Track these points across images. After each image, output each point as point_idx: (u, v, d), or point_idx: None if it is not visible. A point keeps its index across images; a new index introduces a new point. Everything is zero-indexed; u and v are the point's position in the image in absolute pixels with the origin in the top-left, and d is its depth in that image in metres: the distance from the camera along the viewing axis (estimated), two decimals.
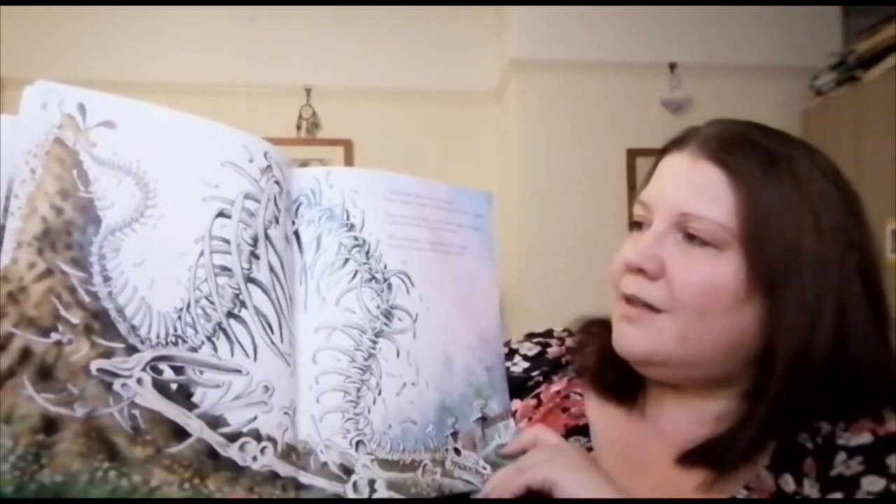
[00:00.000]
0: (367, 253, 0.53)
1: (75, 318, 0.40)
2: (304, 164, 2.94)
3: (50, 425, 0.38)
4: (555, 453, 0.54)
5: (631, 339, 0.61)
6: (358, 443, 0.49)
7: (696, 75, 2.68)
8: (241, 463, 0.43)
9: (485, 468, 0.55)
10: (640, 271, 0.60)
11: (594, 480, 0.52)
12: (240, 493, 0.43)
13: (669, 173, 0.63)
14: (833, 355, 0.57)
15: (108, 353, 0.41)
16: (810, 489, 0.55)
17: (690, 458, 0.60)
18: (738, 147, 0.60)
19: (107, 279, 0.41)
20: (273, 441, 0.45)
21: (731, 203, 0.58)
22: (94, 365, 0.40)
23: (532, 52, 2.67)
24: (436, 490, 0.52)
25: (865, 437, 0.55)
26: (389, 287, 0.54)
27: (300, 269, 0.51)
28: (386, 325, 0.53)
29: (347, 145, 2.95)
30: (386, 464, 0.50)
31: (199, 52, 2.90)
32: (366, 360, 0.51)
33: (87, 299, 0.40)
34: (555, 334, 0.78)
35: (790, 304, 0.57)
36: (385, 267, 0.54)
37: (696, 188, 0.59)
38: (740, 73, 2.70)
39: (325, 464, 0.48)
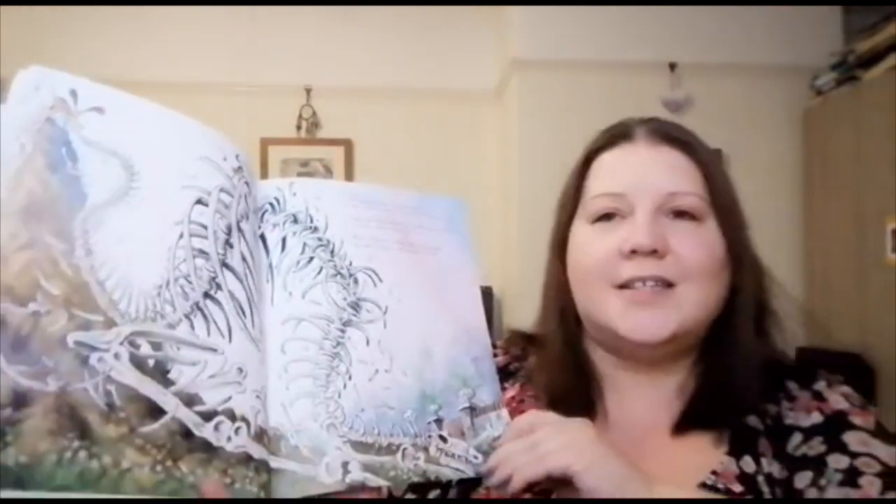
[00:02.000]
0: (332, 251, 0.55)
1: (56, 289, 0.39)
2: (305, 163, 2.95)
3: (19, 400, 0.37)
4: (571, 438, 0.53)
5: (649, 322, 0.62)
6: (329, 426, 0.50)
7: (696, 75, 2.68)
8: (214, 443, 0.44)
9: (476, 457, 0.56)
10: (651, 252, 0.62)
11: (618, 471, 0.52)
12: (213, 476, 0.43)
13: (634, 165, 0.66)
14: (764, 319, 0.67)
15: (86, 326, 0.40)
16: (769, 467, 0.61)
17: (685, 423, 0.65)
18: (686, 134, 0.68)
19: (89, 252, 0.41)
20: (247, 422, 0.46)
21: (699, 179, 0.65)
22: (72, 337, 0.40)
23: (532, 51, 2.67)
24: (420, 475, 0.53)
25: (816, 417, 0.61)
26: (356, 281, 0.56)
27: (266, 269, 0.53)
28: (354, 315, 0.54)
29: (347, 145, 2.95)
30: (360, 446, 0.51)
31: (200, 51, 2.90)
32: (334, 347, 0.53)
33: (68, 271, 0.40)
34: (497, 345, 0.78)
35: (745, 268, 0.66)
36: (350, 263, 0.56)
37: (671, 169, 0.65)
38: (740, 73, 2.70)
39: (296, 447, 0.48)
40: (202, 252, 0.47)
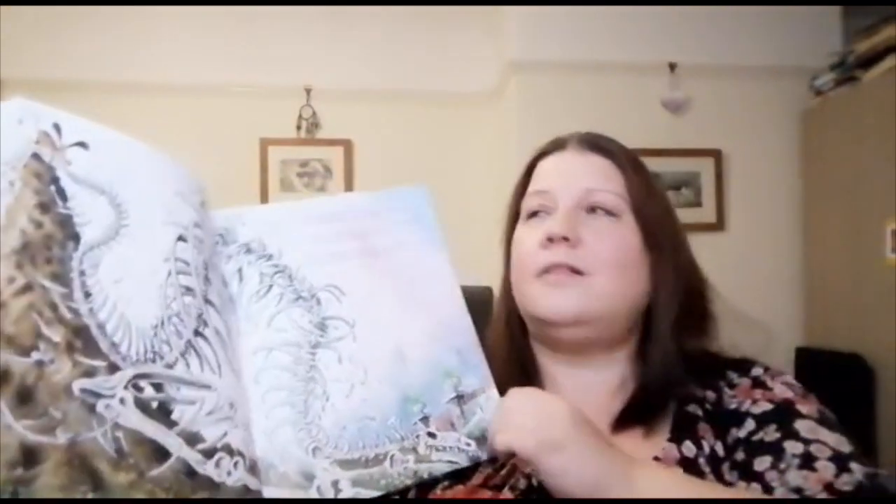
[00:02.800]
0: (290, 276, 0.55)
1: (56, 335, 0.38)
2: (304, 164, 2.95)
3: (29, 456, 0.35)
4: (536, 424, 0.56)
5: (561, 301, 0.68)
6: (314, 449, 0.50)
7: (696, 75, 2.68)
8: (216, 479, 0.44)
9: (468, 444, 0.56)
10: (563, 239, 0.69)
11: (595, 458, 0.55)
12: None
13: (562, 167, 0.75)
14: (688, 311, 0.72)
15: (90, 372, 0.39)
16: (710, 448, 0.66)
17: (623, 420, 0.69)
18: (611, 143, 0.77)
19: (87, 295, 0.40)
20: (242, 455, 0.46)
21: (620, 180, 0.72)
22: (77, 385, 0.38)
23: (531, 52, 2.67)
24: (411, 477, 0.53)
25: (766, 405, 0.66)
26: (318, 302, 0.55)
27: (227, 300, 0.53)
28: (321, 336, 0.55)
29: (347, 145, 2.95)
30: (346, 463, 0.51)
31: (199, 52, 2.90)
32: (307, 371, 0.53)
33: (68, 315, 0.39)
34: None
35: (665, 265, 0.72)
36: (311, 285, 0.56)
37: (592, 171, 0.73)
38: (740, 74, 2.70)
39: (284, 473, 0.49)
40: (188, 289, 0.47)
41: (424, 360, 0.58)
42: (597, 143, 0.76)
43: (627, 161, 0.75)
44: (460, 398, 0.58)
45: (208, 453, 0.44)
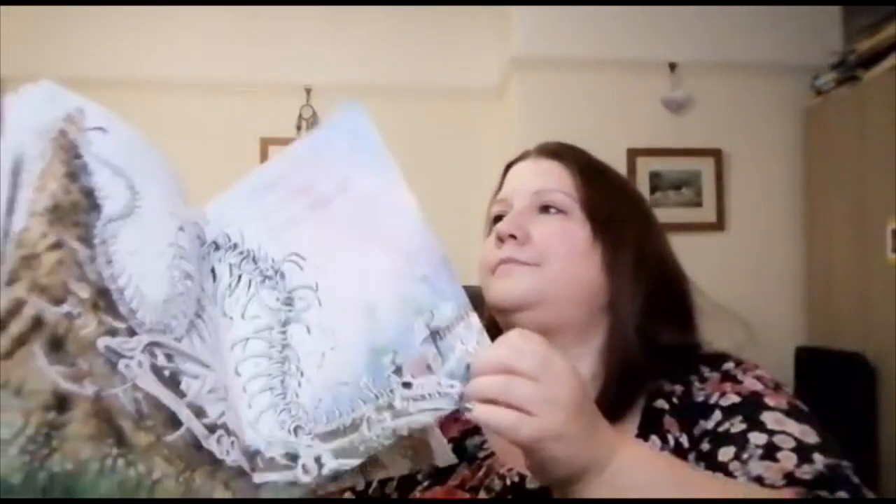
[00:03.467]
0: (254, 259, 0.55)
1: (84, 292, 0.41)
2: None
3: (62, 402, 0.37)
4: (547, 395, 0.49)
5: (509, 286, 0.72)
6: (296, 428, 0.50)
7: (697, 74, 2.68)
8: (218, 455, 0.45)
9: (451, 385, 0.50)
10: (510, 237, 0.73)
11: (578, 448, 0.50)
12: (218, 489, 0.44)
13: (519, 174, 0.81)
14: (659, 305, 0.74)
15: (112, 332, 0.41)
16: (675, 440, 0.67)
17: None
18: (565, 149, 0.82)
19: (108, 261, 0.43)
20: (237, 437, 0.47)
21: (569, 181, 0.77)
22: (102, 342, 0.41)
23: (533, 49, 2.67)
24: (390, 437, 0.49)
25: (734, 398, 0.67)
26: (283, 276, 0.54)
27: (211, 298, 0.54)
28: (290, 311, 0.54)
29: None
30: (326, 436, 0.49)
31: (200, 51, 2.90)
32: (280, 352, 0.52)
33: (92, 276, 0.41)
34: None
35: (620, 257, 0.74)
36: (273, 260, 0.55)
37: (542, 175, 0.79)
38: (741, 73, 2.70)
39: (271, 459, 0.49)
40: (188, 275, 0.49)
41: (393, 303, 0.53)
42: (551, 150, 0.81)
43: (577, 163, 0.79)
44: (435, 335, 0.52)
45: (211, 428, 0.45)
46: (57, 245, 0.40)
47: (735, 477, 0.61)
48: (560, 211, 0.76)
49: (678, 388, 0.70)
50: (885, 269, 2.19)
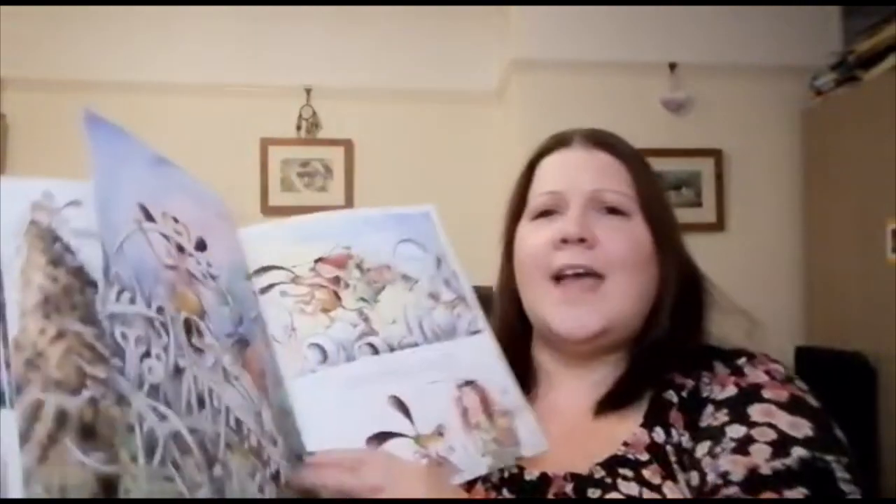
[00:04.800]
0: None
1: (101, 372, 0.39)
2: (305, 164, 2.95)
3: (108, 485, 0.36)
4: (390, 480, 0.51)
5: (581, 319, 0.68)
6: None
7: (697, 75, 2.68)
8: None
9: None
10: (579, 241, 0.68)
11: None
12: None
13: (569, 166, 0.74)
14: (686, 304, 0.73)
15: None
16: (679, 437, 0.65)
17: (603, 406, 0.69)
18: (615, 139, 0.76)
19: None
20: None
21: (627, 178, 0.72)
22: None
23: (533, 51, 2.67)
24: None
25: (731, 390, 0.65)
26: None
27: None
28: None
29: (347, 145, 2.95)
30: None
31: (200, 52, 2.90)
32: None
33: (106, 353, 0.40)
34: None
35: (671, 263, 0.72)
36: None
37: (599, 170, 0.72)
38: (740, 73, 2.70)
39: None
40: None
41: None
42: (602, 140, 0.75)
43: (633, 158, 0.74)
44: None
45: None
46: (59, 335, 0.38)
47: (706, 473, 0.59)
48: (622, 213, 0.71)
49: (689, 383, 0.68)
50: (885, 269, 2.19)
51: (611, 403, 0.69)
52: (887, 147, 2.16)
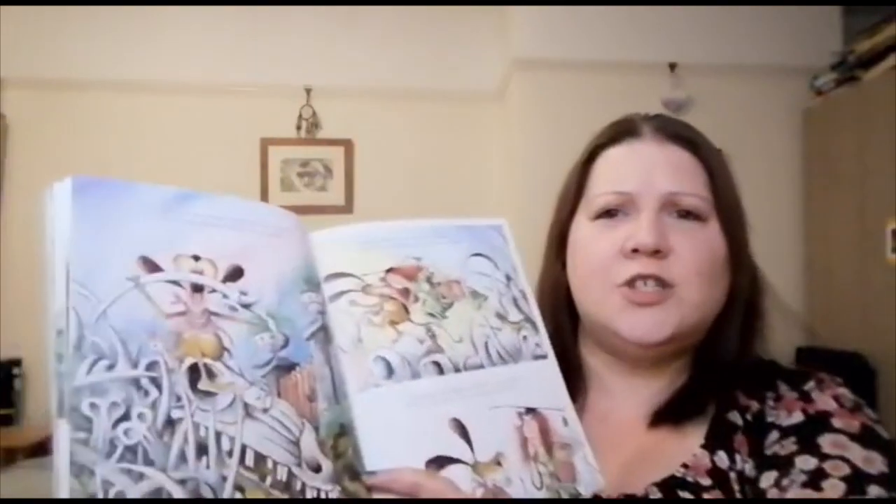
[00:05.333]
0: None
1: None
2: (305, 164, 2.95)
3: None
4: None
5: (652, 323, 0.62)
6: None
7: (697, 75, 2.68)
8: None
9: None
10: (654, 252, 0.61)
11: None
12: None
13: (640, 161, 0.66)
14: (752, 318, 0.67)
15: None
16: (743, 464, 0.60)
17: (659, 417, 0.64)
18: (691, 131, 0.68)
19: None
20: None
21: (703, 178, 0.65)
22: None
23: (534, 51, 2.67)
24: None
25: (797, 417, 0.59)
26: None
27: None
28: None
29: (347, 145, 2.95)
30: None
31: (200, 51, 2.90)
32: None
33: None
34: None
35: (745, 266, 0.66)
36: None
37: (675, 169, 0.65)
38: (741, 73, 2.70)
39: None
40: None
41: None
42: (677, 133, 0.66)
43: (711, 154, 0.67)
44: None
45: None
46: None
47: None
48: (698, 217, 0.64)
49: (754, 405, 0.63)
50: (885, 269, 2.19)
51: (670, 415, 0.64)
52: (887, 147, 2.16)
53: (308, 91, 2.92)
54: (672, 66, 2.67)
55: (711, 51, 2.70)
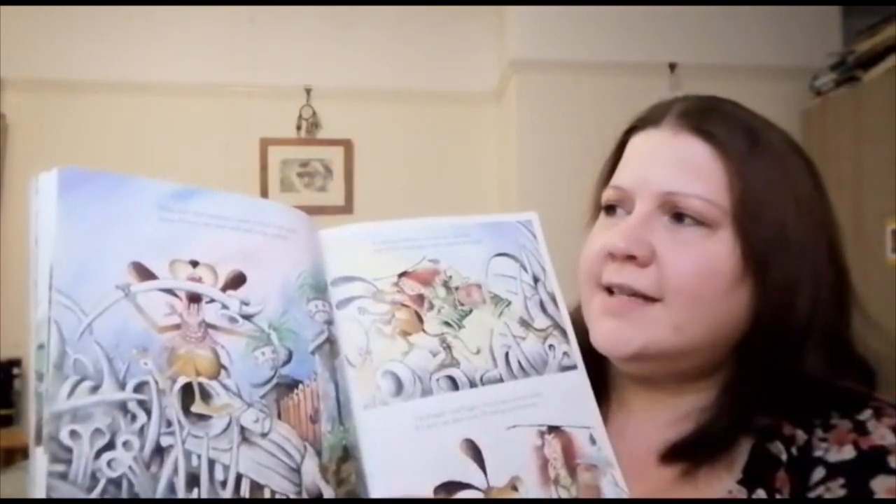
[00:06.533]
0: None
1: None
2: (305, 164, 2.95)
3: None
4: None
5: (620, 334, 0.55)
6: None
7: (696, 75, 2.68)
8: None
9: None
10: (628, 258, 0.54)
11: None
12: None
13: (647, 151, 0.58)
14: (806, 334, 0.56)
15: None
16: None
17: (672, 453, 0.56)
18: (719, 118, 0.58)
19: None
20: None
21: (720, 178, 0.54)
22: None
23: (532, 52, 2.67)
24: None
25: (847, 452, 0.50)
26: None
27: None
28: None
29: (347, 145, 2.95)
30: None
31: (200, 52, 2.91)
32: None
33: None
34: None
35: (776, 282, 0.55)
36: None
37: (680, 164, 0.55)
38: (740, 74, 2.70)
39: None
40: None
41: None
42: (699, 123, 0.57)
43: (737, 144, 0.55)
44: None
45: None
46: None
47: None
48: (701, 223, 0.54)
49: (801, 436, 0.53)
50: (884, 269, 2.19)
51: (682, 454, 0.55)
52: (887, 147, 2.16)
53: (308, 91, 2.92)
54: (672, 66, 2.67)
55: (711, 51, 2.70)
